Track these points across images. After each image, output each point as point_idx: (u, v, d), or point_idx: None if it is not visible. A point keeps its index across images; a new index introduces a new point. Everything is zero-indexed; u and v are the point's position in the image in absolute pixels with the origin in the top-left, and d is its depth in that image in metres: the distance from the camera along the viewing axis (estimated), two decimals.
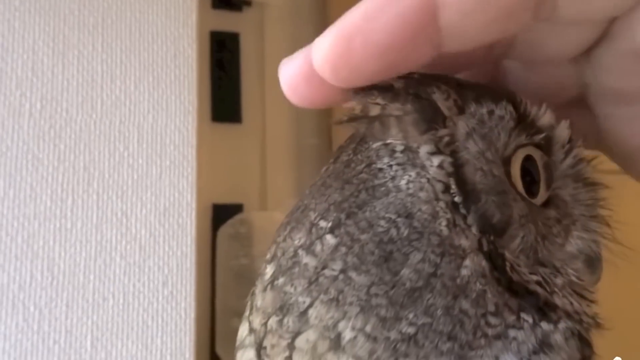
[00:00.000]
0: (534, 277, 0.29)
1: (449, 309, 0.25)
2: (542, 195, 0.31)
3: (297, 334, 0.25)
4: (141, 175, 0.61)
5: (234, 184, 1.18)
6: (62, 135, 0.60)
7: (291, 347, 0.26)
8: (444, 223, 0.27)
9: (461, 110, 0.30)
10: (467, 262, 0.28)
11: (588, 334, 0.28)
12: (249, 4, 1.30)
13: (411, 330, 0.24)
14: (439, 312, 0.25)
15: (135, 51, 0.64)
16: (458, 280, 0.27)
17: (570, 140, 0.34)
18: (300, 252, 0.26)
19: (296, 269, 0.26)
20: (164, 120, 0.63)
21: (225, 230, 1.03)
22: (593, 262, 0.32)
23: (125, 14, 0.65)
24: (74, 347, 0.56)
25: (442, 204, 0.27)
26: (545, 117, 0.32)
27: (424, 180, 0.26)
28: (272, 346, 0.26)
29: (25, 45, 0.61)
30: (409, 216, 0.25)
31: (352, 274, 0.24)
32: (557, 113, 0.34)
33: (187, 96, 0.64)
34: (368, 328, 0.24)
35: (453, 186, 0.28)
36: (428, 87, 0.28)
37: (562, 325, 0.27)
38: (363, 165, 0.27)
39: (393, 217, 0.25)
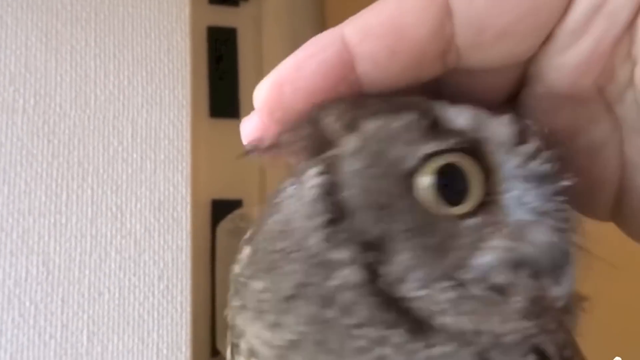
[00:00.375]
0: (418, 293, 0.29)
1: (318, 319, 0.27)
2: (468, 204, 0.31)
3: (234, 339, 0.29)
4: (135, 170, 0.61)
5: (233, 179, 1.18)
6: (56, 130, 0.60)
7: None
8: (318, 238, 0.29)
9: (352, 129, 0.32)
10: (338, 274, 0.29)
11: (482, 355, 0.29)
12: None
13: (292, 337, 0.27)
14: (311, 320, 0.27)
15: (129, 46, 0.64)
16: (326, 292, 0.28)
17: (517, 137, 0.32)
18: (236, 261, 0.30)
19: (232, 276, 0.30)
20: (157, 114, 0.63)
21: (224, 225, 1.03)
22: (522, 271, 0.31)
23: (118, 9, 0.64)
24: (70, 342, 0.56)
25: (317, 220, 0.29)
26: (460, 120, 0.32)
27: (305, 199, 0.29)
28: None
29: (18, 42, 0.61)
30: (290, 231, 0.28)
31: (252, 282, 0.27)
32: (492, 111, 0.33)
33: (181, 90, 0.64)
34: (261, 334, 0.27)
35: (328, 204, 0.30)
36: (323, 110, 0.32)
37: (437, 349, 0.28)
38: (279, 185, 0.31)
39: (278, 231, 0.28)
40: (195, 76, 0.75)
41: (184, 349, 0.58)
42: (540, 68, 0.32)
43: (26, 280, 0.57)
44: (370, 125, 0.34)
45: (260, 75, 0.87)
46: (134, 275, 0.59)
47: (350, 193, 0.33)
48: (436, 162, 0.32)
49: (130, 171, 0.61)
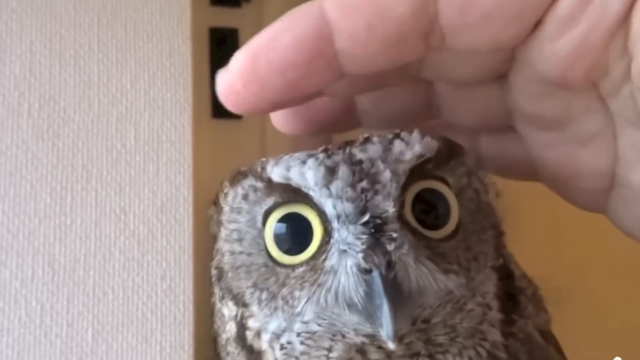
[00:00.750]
0: (264, 337, 0.35)
1: None
2: (310, 250, 0.34)
3: None
4: (138, 172, 0.62)
5: None
6: (60, 134, 0.61)
7: None
8: (216, 297, 0.39)
9: (225, 198, 0.41)
10: (227, 327, 0.36)
11: None
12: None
13: None
14: None
15: (131, 50, 0.65)
16: (223, 342, 0.37)
17: (325, 179, 0.33)
18: None
19: None
20: (160, 117, 0.64)
21: None
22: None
23: (120, 13, 0.66)
24: (76, 340, 0.57)
25: (216, 281, 0.39)
26: (275, 173, 0.35)
27: None
28: None
29: (22, 47, 0.62)
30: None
31: None
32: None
33: (183, 93, 0.66)
34: None
35: (214, 269, 0.40)
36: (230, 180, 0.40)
37: None
38: None
39: None
40: (197, 77, 0.76)
41: (186, 348, 0.59)
42: (529, 55, 0.31)
43: (32, 280, 0.58)
44: (231, 194, 0.39)
45: None
46: (138, 275, 0.60)
47: (222, 256, 0.41)
48: (276, 215, 0.35)
49: (133, 173, 0.62)
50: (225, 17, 1.23)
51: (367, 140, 0.35)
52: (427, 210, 0.35)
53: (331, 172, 0.33)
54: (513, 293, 0.37)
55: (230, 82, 0.30)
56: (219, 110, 1.30)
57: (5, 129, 0.59)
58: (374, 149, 0.34)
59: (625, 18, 0.28)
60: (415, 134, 0.35)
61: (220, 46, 1.29)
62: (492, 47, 0.31)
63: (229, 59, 1.25)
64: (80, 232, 0.59)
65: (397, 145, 0.34)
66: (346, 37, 0.29)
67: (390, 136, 0.35)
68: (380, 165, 0.33)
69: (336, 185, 0.33)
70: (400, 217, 0.33)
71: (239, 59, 0.29)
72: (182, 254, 0.63)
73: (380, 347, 0.33)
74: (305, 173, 0.33)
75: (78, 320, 0.57)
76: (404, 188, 0.33)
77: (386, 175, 0.33)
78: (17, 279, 0.57)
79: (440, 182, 0.36)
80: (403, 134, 0.35)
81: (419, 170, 0.35)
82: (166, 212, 0.62)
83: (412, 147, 0.34)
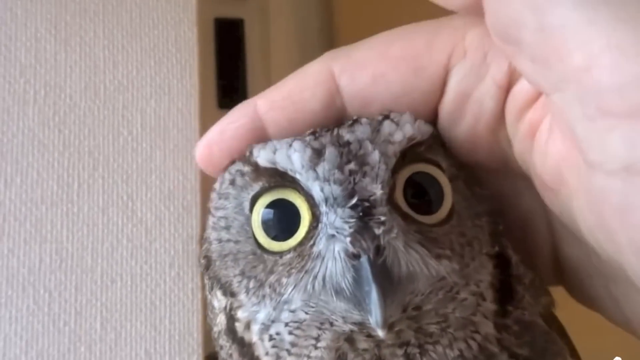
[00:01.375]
0: (254, 329, 0.34)
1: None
2: (297, 236, 0.34)
3: None
4: (145, 159, 0.61)
5: None
6: (66, 121, 0.61)
7: None
8: (207, 288, 0.37)
9: (214, 188, 0.41)
10: (217, 320, 0.36)
11: None
12: None
13: None
14: None
15: (137, 36, 0.64)
16: (216, 336, 0.36)
17: (312, 160, 0.33)
18: None
19: None
20: (166, 104, 0.63)
21: None
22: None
23: (126, 0, 0.65)
24: (84, 328, 0.57)
25: (204, 271, 0.38)
26: (262, 157, 0.35)
27: None
28: None
29: (28, 33, 0.62)
30: None
31: None
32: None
33: (189, 80, 0.65)
34: None
35: (202, 258, 0.38)
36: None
37: None
38: None
39: None
40: (202, 67, 0.75)
41: (195, 335, 0.59)
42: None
43: (40, 268, 0.58)
44: (219, 180, 0.39)
45: (267, 66, 0.88)
46: (146, 263, 0.60)
47: (210, 245, 0.38)
48: (263, 201, 0.35)
49: (140, 160, 0.62)
50: (230, 8, 1.22)
51: (355, 121, 0.34)
52: (419, 194, 0.34)
53: (318, 154, 0.32)
54: (509, 282, 0.36)
55: (199, 161, 0.38)
56: (224, 101, 1.30)
57: (11, 116, 0.59)
58: (363, 130, 0.33)
59: (501, 114, 0.33)
60: (407, 116, 0.34)
61: (226, 37, 1.28)
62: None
63: (234, 49, 1.24)
64: (87, 220, 0.59)
65: (387, 126, 0.33)
66: (273, 128, 0.36)
67: (380, 117, 0.34)
68: (369, 147, 0.32)
69: (323, 167, 0.32)
70: (390, 200, 0.32)
71: (199, 148, 0.38)
72: (190, 241, 0.62)
73: (369, 336, 0.31)
74: (291, 156, 0.33)
75: (86, 308, 0.57)
76: (394, 171, 0.33)
77: (375, 156, 0.32)
78: (25, 266, 0.57)
79: (434, 166, 0.35)
80: (393, 115, 0.34)
81: (411, 153, 0.34)
82: (174, 199, 0.61)
83: (403, 128, 0.34)
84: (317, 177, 0.32)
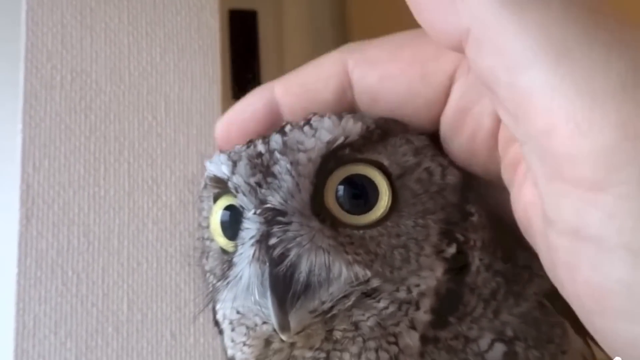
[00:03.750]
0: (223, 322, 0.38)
1: None
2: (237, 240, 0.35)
3: None
4: (169, 144, 0.62)
5: None
6: (92, 106, 0.62)
7: None
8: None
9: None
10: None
11: None
12: None
13: None
14: None
15: (160, 23, 0.65)
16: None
17: (230, 173, 0.35)
18: None
19: None
20: (189, 90, 0.64)
21: None
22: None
23: None
24: (112, 309, 0.58)
25: (197, 265, 0.41)
26: (212, 170, 0.37)
27: None
28: None
29: (54, 19, 0.62)
30: None
31: None
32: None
33: (211, 66, 0.66)
34: None
35: (194, 253, 0.41)
36: None
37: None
38: None
39: None
40: (222, 57, 0.76)
41: (214, 324, 0.59)
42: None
43: (68, 250, 0.59)
44: (202, 184, 0.40)
45: (281, 57, 0.90)
46: (170, 246, 0.61)
47: (197, 242, 0.41)
48: (221, 204, 0.36)
49: (164, 145, 0.62)
50: (244, 0, 1.23)
51: (280, 129, 0.35)
52: (357, 195, 0.34)
53: (234, 166, 0.34)
54: (460, 291, 0.34)
55: (218, 140, 0.40)
56: (239, 92, 1.30)
57: (39, 100, 0.60)
58: (275, 140, 0.34)
59: (496, 132, 0.34)
60: (326, 119, 0.35)
61: (240, 28, 1.29)
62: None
63: (248, 40, 1.25)
64: (113, 203, 0.59)
65: (296, 134, 0.34)
66: (288, 113, 0.37)
67: (302, 123, 0.35)
68: (277, 157, 0.33)
69: (236, 180, 0.33)
70: (313, 205, 0.32)
71: (218, 128, 0.39)
72: None
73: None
74: (220, 167, 0.34)
75: (113, 290, 0.58)
76: (322, 175, 0.33)
77: (279, 167, 0.33)
78: (54, 248, 0.58)
79: (371, 167, 0.35)
80: (314, 120, 0.35)
81: (339, 155, 0.34)
82: (197, 183, 0.62)
83: (318, 134, 0.34)
84: (234, 188, 0.33)
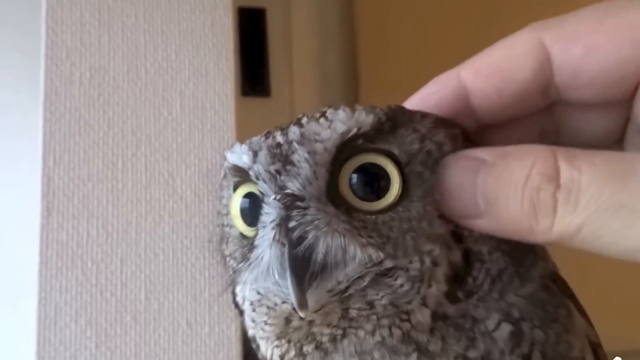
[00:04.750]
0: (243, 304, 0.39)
1: None
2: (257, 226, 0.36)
3: None
4: (185, 139, 0.64)
5: None
6: (110, 102, 0.64)
7: None
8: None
9: None
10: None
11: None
12: None
13: None
14: None
15: (175, 21, 0.67)
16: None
17: (251, 162, 0.36)
18: None
19: None
20: (204, 86, 0.66)
21: None
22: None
23: None
24: (130, 299, 0.60)
25: (217, 251, 0.42)
26: (233, 159, 0.38)
27: None
28: None
29: (73, 18, 0.64)
30: None
31: None
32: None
33: (225, 63, 0.67)
34: None
35: (214, 240, 0.43)
36: None
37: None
38: None
39: None
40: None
41: (233, 306, 0.61)
42: (634, 110, 0.36)
43: (87, 242, 0.60)
44: (221, 173, 0.42)
45: (289, 54, 0.92)
46: (186, 237, 0.63)
47: (217, 229, 0.42)
48: (240, 192, 0.38)
49: (180, 140, 0.64)
50: None
51: (297, 121, 0.37)
52: (369, 182, 0.36)
53: (255, 155, 0.36)
54: (467, 264, 0.36)
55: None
56: (247, 89, 1.32)
57: (59, 96, 0.62)
58: (293, 131, 0.36)
59: None
60: (340, 112, 0.36)
61: (248, 26, 1.30)
62: (600, 102, 0.35)
63: (256, 38, 1.27)
64: (131, 196, 0.61)
65: (313, 126, 0.35)
66: (479, 97, 0.36)
67: (318, 115, 0.36)
68: (296, 147, 0.35)
69: (257, 168, 0.35)
70: (330, 191, 0.34)
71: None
72: None
73: (303, 317, 0.34)
74: (241, 156, 0.36)
75: (131, 280, 0.60)
76: (336, 164, 0.35)
77: (298, 156, 0.34)
78: (74, 240, 0.60)
79: (382, 156, 0.36)
80: (329, 112, 0.36)
81: (352, 145, 0.36)
82: (212, 177, 0.64)
83: (333, 125, 0.35)
84: (255, 176, 0.35)
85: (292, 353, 0.35)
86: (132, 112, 0.63)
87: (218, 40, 0.67)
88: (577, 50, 0.34)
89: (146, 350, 0.58)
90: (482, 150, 0.35)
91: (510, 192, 0.33)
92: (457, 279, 0.35)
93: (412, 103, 0.38)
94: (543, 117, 0.40)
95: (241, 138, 0.96)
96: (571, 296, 0.39)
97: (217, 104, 0.66)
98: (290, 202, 0.33)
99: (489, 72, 0.36)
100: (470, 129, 0.38)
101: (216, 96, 0.66)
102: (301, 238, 0.33)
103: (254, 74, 1.23)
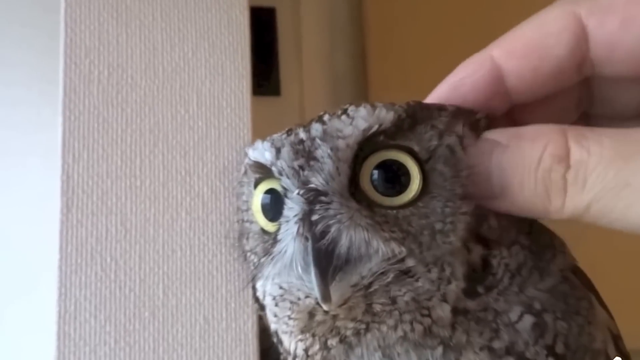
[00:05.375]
0: (265, 299, 0.39)
1: None
2: (279, 220, 0.36)
3: None
4: (201, 137, 0.65)
5: None
6: (128, 100, 0.64)
7: None
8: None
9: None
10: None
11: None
12: None
13: None
14: None
15: (192, 20, 0.67)
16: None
17: (274, 158, 0.36)
18: None
19: None
20: (220, 84, 0.66)
21: None
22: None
23: None
24: (148, 295, 0.61)
25: (236, 246, 0.43)
26: (254, 155, 0.38)
27: None
28: None
29: (91, 17, 0.65)
30: None
31: None
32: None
33: (241, 61, 0.68)
34: None
35: (234, 236, 0.43)
36: None
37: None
38: None
39: None
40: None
41: (250, 303, 0.62)
42: None
43: (106, 238, 0.61)
44: (242, 169, 0.42)
45: (299, 53, 0.92)
46: (203, 234, 0.63)
47: (237, 224, 0.43)
48: (261, 188, 0.38)
49: (196, 138, 0.65)
50: None
51: (318, 118, 0.37)
52: (390, 178, 0.36)
53: (278, 152, 0.36)
54: (487, 260, 0.36)
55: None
56: (258, 88, 1.33)
57: (78, 94, 0.62)
58: (315, 128, 0.36)
59: None
60: (362, 109, 0.36)
61: (258, 25, 1.31)
62: (635, 77, 0.35)
63: (266, 37, 1.27)
64: (149, 193, 0.62)
65: (335, 123, 0.36)
66: (515, 77, 0.35)
67: (339, 112, 0.37)
68: (318, 143, 0.35)
69: (280, 164, 0.35)
70: (353, 186, 0.35)
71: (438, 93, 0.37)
72: None
73: (326, 311, 0.34)
74: (264, 154, 0.37)
75: (150, 276, 0.61)
76: (357, 160, 0.35)
77: (321, 152, 0.35)
78: (93, 236, 0.60)
79: (403, 152, 0.37)
80: (350, 109, 0.36)
81: (373, 142, 0.36)
82: (228, 174, 0.65)
83: (355, 122, 0.36)
84: (278, 172, 0.35)
85: (317, 347, 0.35)
86: (149, 109, 0.64)
87: (234, 38, 0.68)
88: (614, 23, 0.33)
89: (164, 345, 0.59)
90: (497, 132, 0.35)
91: (525, 174, 0.33)
92: (477, 276, 0.35)
93: (442, 91, 0.38)
94: (579, 90, 0.39)
95: (252, 136, 0.96)
96: (592, 289, 0.39)
97: (233, 102, 0.67)
98: (313, 197, 0.34)
99: (523, 52, 0.35)
100: (502, 111, 0.38)
101: (232, 94, 0.67)
102: (324, 232, 0.33)
103: (264, 73, 1.23)
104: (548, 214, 0.33)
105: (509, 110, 0.40)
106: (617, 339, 0.39)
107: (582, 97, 0.40)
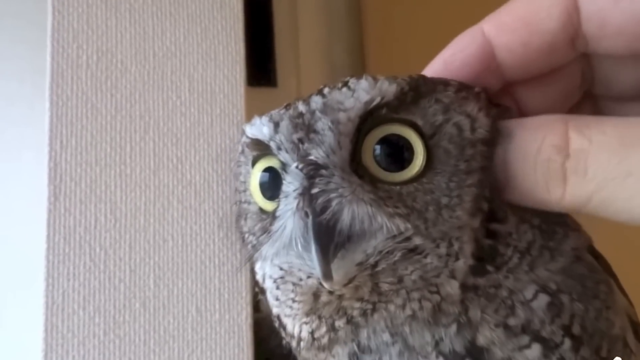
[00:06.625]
0: (265, 282, 0.41)
1: None
2: (278, 198, 0.35)
3: None
4: (193, 124, 0.63)
5: None
6: (118, 85, 0.62)
7: None
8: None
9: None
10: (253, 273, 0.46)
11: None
12: None
13: None
14: None
15: (183, 3, 0.66)
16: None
17: (272, 134, 0.35)
18: None
19: None
20: (213, 70, 0.65)
21: None
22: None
23: None
24: (138, 285, 0.59)
25: (235, 228, 0.46)
26: (252, 131, 0.37)
27: None
28: None
29: (79, 0, 0.63)
30: None
31: None
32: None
33: (234, 46, 0.66)
34: None
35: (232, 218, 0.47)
36: None
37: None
38: None
39: None
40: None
41: (244, 294, 0.60)
42: None
43: (95, 227, 0.59)
44: (238, 150, 0.41)
45: (296, 43, 0.90)
46: (195, 223, 0.62)
47: (235, 206, 0.46)
48: (260, 166, 0.37)
49: (188, 124, 0.63)
50: None
51: (318, 91, 0.35)
52: (393, 153, 0.35)
53: (276, 126, 0.35)
54: (495, 239, 0.35)
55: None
56: (254, 79, 1.31)
57: (66, 80, 0.61)
58: (315, 101, 0.35)
59: None
60: (363, 81, 0.35)
61: (254, 15, 1.29)
62: (630, 54, 0.35)
63: (262, 28, 1.25)
64: (139, 181, 0.60)
65: (336, 95, 0.34)
66: (505, 52, 0.35)
67: (340, 85, 0.35)
68: (318, 116, 0.34)
69: (278, 138, 0.34)
70: (354, 160, 0.33)
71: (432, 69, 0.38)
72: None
73: (330, 291, 0.33)
74: (262, 129, 0.35)
75: (140, 266, 0.59)
76: (359, 134, 0.34)
77: (321, 124, 0.34)
78: (81, 225, 0.59)
79: (406, 126, 0.35)
80: (351, 82, 0.35)
81: (375, 115, 0.34)
82: (221, 162, 0.63)
83: (356, 94, 0.34)
84: (276, 147, 0.34)
85: (324, 329, 0.34)
86: (140, 95, 0.62)
87: (227, 23, 0.66)
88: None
89: (155, 337, 0.57)
90: (507, 122, 0.35)
91: (526, 164, 0.32)
92: (485, 253, 0.34)
93: (435, 66, 0.37)
94: (580, 69, 0.39)
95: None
96: (611, 273, 0.38)
97: (226, 88, 0.65)
98: (313, 171, 0.33)
99: (514, 25, 0.34)
100: (496, 87, 0.37)
101: (225, 80, 0.65)
102: (325, 207, 0.32)
103: (260, 64, 1.22)
104: (550, 205, 0.32)
105: (511, 90, 0.39)
106: (637, 327, 0.37)
107: (585, 76, 0.39)
